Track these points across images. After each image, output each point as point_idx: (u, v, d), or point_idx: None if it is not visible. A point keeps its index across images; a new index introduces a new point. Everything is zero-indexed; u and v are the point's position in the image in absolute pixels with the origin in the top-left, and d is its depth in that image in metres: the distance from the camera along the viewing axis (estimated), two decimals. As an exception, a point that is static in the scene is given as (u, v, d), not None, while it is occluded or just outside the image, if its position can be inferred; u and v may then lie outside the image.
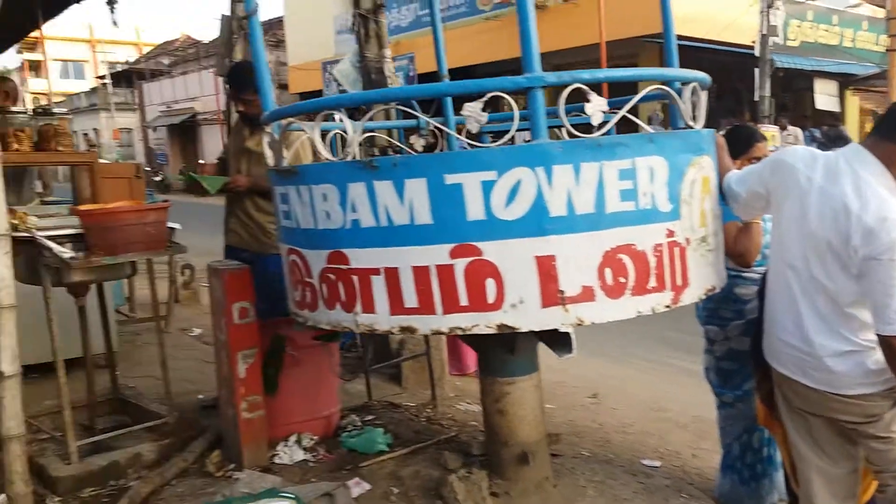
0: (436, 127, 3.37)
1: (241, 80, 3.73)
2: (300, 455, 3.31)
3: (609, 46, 13.72)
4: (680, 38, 2.86)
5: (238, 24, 3.15)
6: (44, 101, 26.52)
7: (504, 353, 2.65)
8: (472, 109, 1.92)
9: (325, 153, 2.22)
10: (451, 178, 1.97)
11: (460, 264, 2.01)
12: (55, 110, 5.21)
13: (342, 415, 3.69)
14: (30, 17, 5.61)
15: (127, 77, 35.12)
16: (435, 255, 2.03)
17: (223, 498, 2.77)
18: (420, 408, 3.99)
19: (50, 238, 3.18)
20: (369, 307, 2.19)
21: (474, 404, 4.16)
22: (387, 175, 2.05)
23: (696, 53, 10.95)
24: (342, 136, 2.39)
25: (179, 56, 32.76)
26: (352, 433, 3.50)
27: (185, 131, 29.89)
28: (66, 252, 3.06)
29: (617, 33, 13.42)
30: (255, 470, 3.15)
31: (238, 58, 6.36)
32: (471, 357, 4.83)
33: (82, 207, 3.26)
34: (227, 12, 6.33)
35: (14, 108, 5.08)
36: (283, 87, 22.05)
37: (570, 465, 3.22)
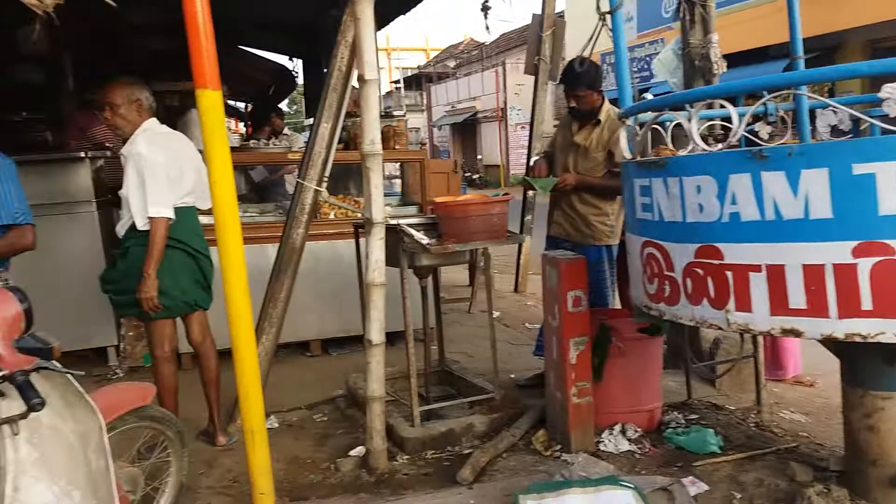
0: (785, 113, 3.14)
1: (573, 77, 3.84)
2: (625, 445, 3.32)
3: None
4: None
5: (600, 18, 3.22)
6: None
7: (881, 363, 2.38)
8: (893, 90, 1.73)
9: (701, 144, 2.18)
10: (861, 168, 1.80)
11: (865, 264, 1.84)
12: (395, 113, 5.83)
13: (663, 410, 3.64)
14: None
15: (417, 81, 38.35)
16: (833, 252, 1.88)
17: (562, 479, 2.88)
18: (745, 412, 3.77)
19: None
20: (744, 305, 2.10)
21: (798, 413, 3.85)
22: (778, 165, 1.94)
23: None
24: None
25: (464, 58, 34.86)
26: (677, 430, 3.43)
27: (465, 128, 31.75)
28: (424, 239, 3.41)
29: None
30: (581, 454, 3.24)
31: (546, 55, 6.61)
32: (790, 362, 4.47)
33: (438, 200, 3.60)
34: (538, 11, 6.58)
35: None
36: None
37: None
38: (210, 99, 2.40)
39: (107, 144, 5.37)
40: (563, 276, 3.25)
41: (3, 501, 1.87)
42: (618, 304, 4.28)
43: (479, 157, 29.87)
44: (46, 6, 2.58)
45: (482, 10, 5.33)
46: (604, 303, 3.93)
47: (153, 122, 3.41)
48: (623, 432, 3.39)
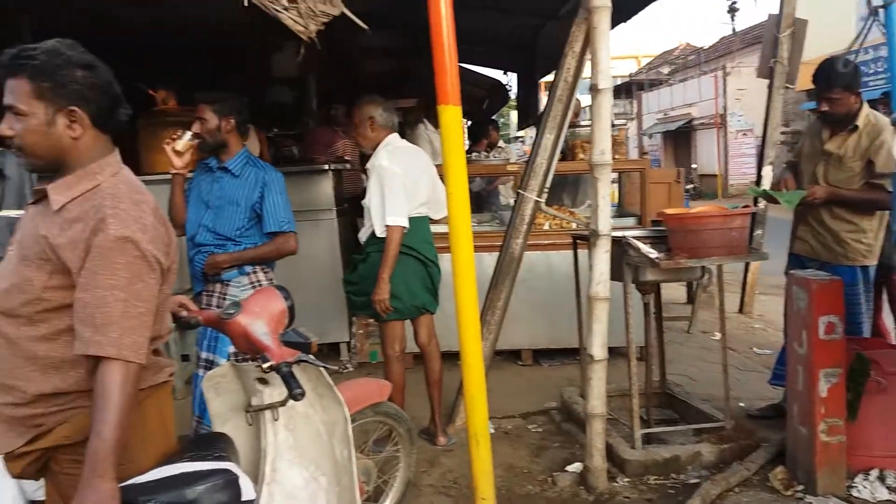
0: None
1: (828, 77, 3.47)
2: (884, 494, 2.93)
3: None
4: None
5: (871, 10, 2.89)
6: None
7: None
8: None
9: None
10: None
11: None
12: (615, 122, 5.72)
13: (932, 460, 3.14)
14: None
15: (627, 88, 37.33)
16: None
17: (809, 523, 2.59)
18: None
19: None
20: None
21: None
22: None
23: None
24: None
25: (679, 64, 33.30)
26: (951, 485, 2.94)
27: (678, 136, 30.22)
28: (652, 252, 3.26)
29: None
30: (831, 498, 2.89)
31: (783, 57, 6.07)
32: None
33: (669, 211, 3.43)
34: (776, 11, 6.06)
35: (582, 123, 5.75)
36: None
37: None
38: (451, 114, 2.48)
39: (346, 158, 5.84)
40: (815, 299, 2.93)
41: (264, 480, 2.07)
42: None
43: (693, 165, 28.26)
44: (310, 32, 2.86)
45: (729, 11, 5.03)
46: (858, 331, 3.48)
47: (394, 137, 3.64)
48: (881, 479, 2.98)
